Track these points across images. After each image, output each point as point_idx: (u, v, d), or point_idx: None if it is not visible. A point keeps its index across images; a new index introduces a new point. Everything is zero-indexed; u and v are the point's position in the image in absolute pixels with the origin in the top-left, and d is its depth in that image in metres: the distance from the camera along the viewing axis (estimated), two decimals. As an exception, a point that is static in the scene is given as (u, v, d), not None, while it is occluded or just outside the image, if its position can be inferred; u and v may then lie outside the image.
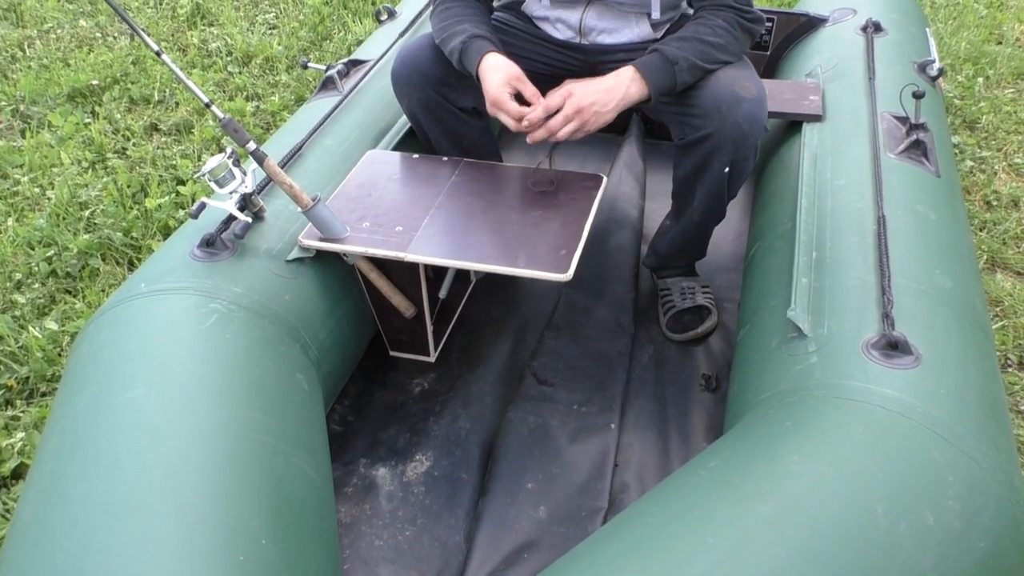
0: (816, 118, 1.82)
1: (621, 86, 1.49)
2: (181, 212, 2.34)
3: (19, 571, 0.94)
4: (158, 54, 1.37)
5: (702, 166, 1.58)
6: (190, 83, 1.39)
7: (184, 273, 1.37)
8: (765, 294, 1.48)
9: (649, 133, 2.49)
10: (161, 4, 3.66)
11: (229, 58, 3.21)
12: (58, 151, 2.62)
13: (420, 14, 2.29)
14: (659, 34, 1.72)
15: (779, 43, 2.35)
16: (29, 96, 2.93)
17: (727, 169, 1.56)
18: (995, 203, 2.34)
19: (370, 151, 1.75)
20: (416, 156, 1.73)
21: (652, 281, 1.96)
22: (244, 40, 3.28)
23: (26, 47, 3.33)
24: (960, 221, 1.56)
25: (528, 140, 1.52)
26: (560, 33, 1.76)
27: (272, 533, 1.01)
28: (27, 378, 1.85)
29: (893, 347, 1.20)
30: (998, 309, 1.99)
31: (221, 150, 2.58)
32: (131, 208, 2.36)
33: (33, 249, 2.21)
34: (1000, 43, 3.18)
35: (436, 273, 1.76)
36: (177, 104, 2.92)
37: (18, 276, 2.12)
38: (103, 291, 2.09)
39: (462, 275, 1.91)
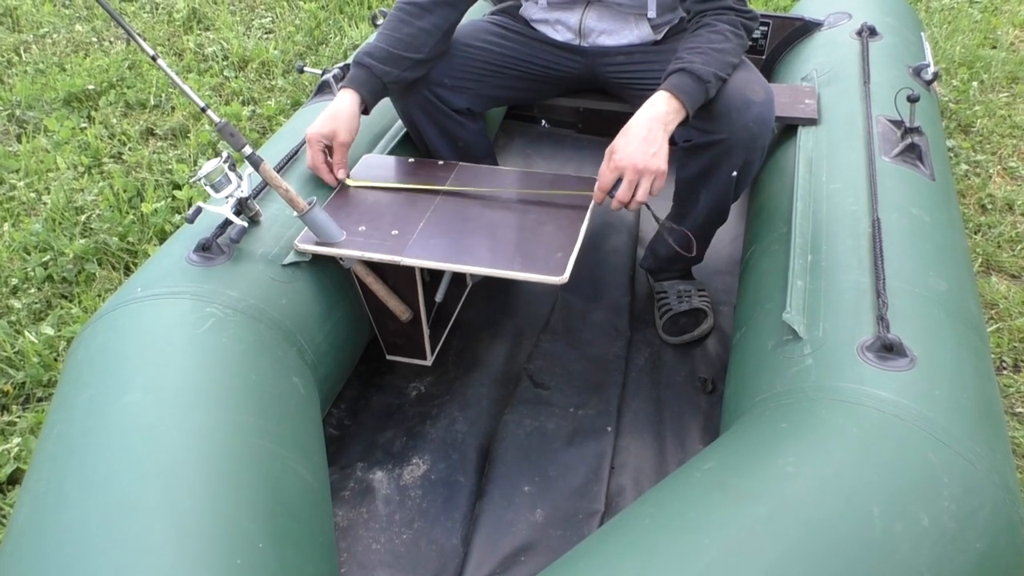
0: (811, 122, 1.82)
1: (658, 119, 1.41)
2: (177, 217, 2.34)
3: (16, 574, 0.94)
4: (154, 59, 1.37)
5: (709, 169, 1.57)
6: (186, 88, 1.39)
7: (180, 278, 1.37)
8: (761, 297, 1.48)
9: (645, 137, 2.49)
10: (157, 9, 3.66)
11: (225, 63, 3.22)
12: (54, 156, 2.62)
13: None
14: (659, 35, 1.73)
15: (775, 47, 2.36)
16: (25, 101, 2.93)
17: (735, 173, 1.56)
18: (990, 206, 2.34)
19: (366, 155, 1.75)
20: (412, 160, 1.73)
21: (648, 284, 1.96)
22: (240, 45, 3.28)
23: (22, 52, 3.33)
24: (955, 224, 1.57)
25: (614, 207, 1.45)
26: (559, 35, 1.76)
27: (269, 537, 1.01)
28: (23, 383, 1.85)
29: (888, 349, 1.20)
30: (993, 312, 2.00)
31: (217, 155, 2.58)
32: (127, 213, 2.35)
33: (29, 254, 2.21)
34: (994, 47, 3.19)
35: (432, 277, 1.76)
36: (173, 109, 2.92)
37: (14, 281, 2.12)
38: (99, 296, 2.09)
39: (458, 279, 1.92)
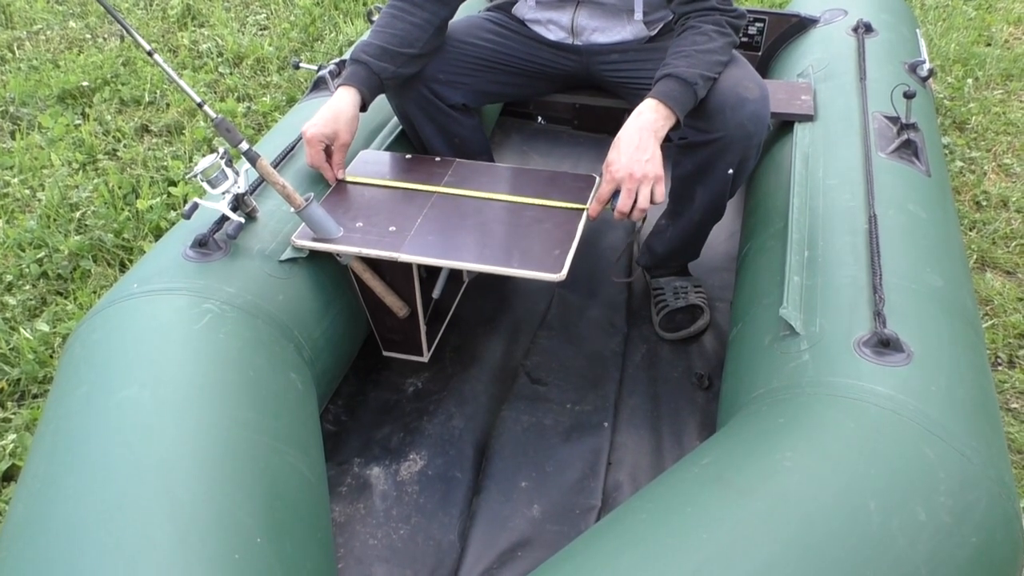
0: (808, 118, 1.83)
1: (648, 128, 1.42)
2: (173, 213, 2.34)
3: (12, 572, 0.94)
4: (150, 54, 1.37)
5: (704, 167, 1.58)
6: (182, 83, 1.39)
7: (177, 273, 1.36)
8: (757, 292, 1.48)
9: (641, 133, 2.49)
10: (151, 5, 3.65)
11: (220, 59, 3.21)
12: (48, 152, 2.61)
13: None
14: (653, 32, 1.73)
15: (771, 43, 2.36)
16: (19, 97, 2.92)
17: (731, 171, 1.56)
18: (984, 203, 2.35)
19: (363, 151, 1.75)
20: (409, 156, 1.73)
21: (645, 281, 1.97)
22: (235, 41, 3.27)
23: (15, 48, 3.31)
24: (950, 220, 1.57)
25: (616, 217, 1.47)
26: (552, 34, 1.76)
27: (267, 532, 1.01)
28: (18, 380, 1.84)
29: (885, 345, 1.20)
30: (988, 308, 2.00)
31: (212, 151, 2.57)
32: (122, 209, 2.35)
33: (24, 251, 2.20)
34: (989, 45, 3.20)
35: (429, 273, 1.76)
36: (168, 105, 2.91)
37: (9, 278, 2.11)
38: (95, 292, 2.08)
39: (455, 275, 1.92)
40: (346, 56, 2.14)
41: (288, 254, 1.48)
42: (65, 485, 1.02)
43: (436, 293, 1.75)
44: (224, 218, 1.45)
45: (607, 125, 2.54)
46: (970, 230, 2.25)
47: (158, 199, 2.36)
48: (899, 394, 1.13)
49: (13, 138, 2.72)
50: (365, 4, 3.61)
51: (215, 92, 3.01)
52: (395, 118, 1.89)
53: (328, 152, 1.60)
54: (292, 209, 1.47)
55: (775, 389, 1.23)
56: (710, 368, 1.77)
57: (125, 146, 2.67)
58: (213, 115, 1.38)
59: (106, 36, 3.43)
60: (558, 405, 1.69)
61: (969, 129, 2.68)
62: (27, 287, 2.10)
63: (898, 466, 1.04)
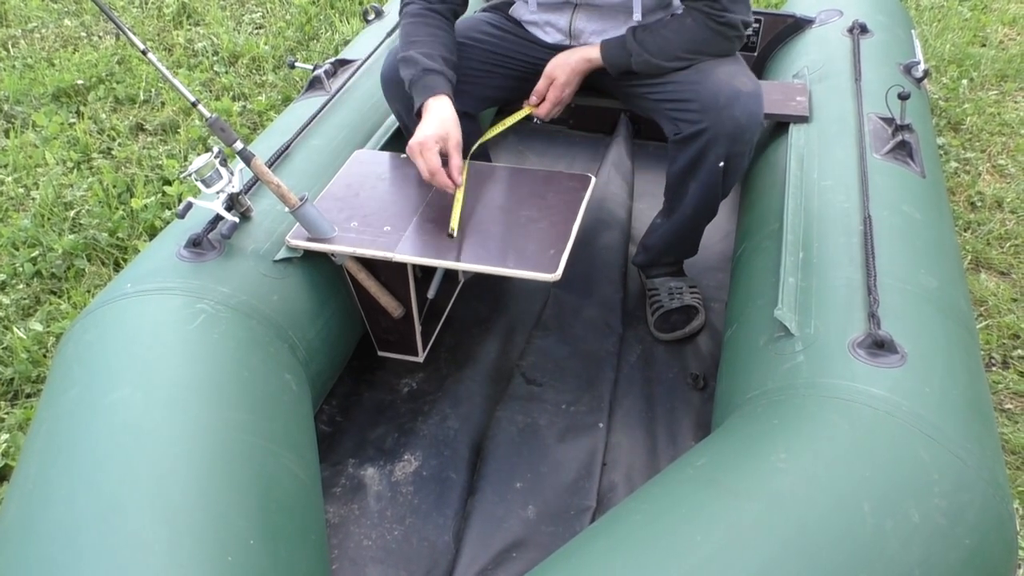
0: (803, 119, 1.83)
1: (581, 49, 1.67)
2: (167, 212, 2.33)
3: (4, 572, 0.94)
4: (144, 52, 1.36)
5: (697, 161, 1.58)
6: (176, 82, 1.38)
7: (171, 273, 1.36)
8: (752, 293, 1.48)
9: (637, 134, 2.50)
10: (146, 3, 3.64)
11: (215, 58, 3.20)
12: (43, 151, 2.60)
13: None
14: None
15: (766, 44, 2.36)
16: (13, 96, 2.91)
17: (722, 164, 1.57)
18: (979, 204, 2.36)
19: (358, 151, 1.75)
20: (404, 156, 1.72)
21: (640, 281, 1.97)
22: (230, 40, 3.27)
23: (10, 46, 3.30)
24: (945, 221, 1.58)
25: (543, 117, 1.75)
26: (550, 37, 1.76)
27: (260, 533, 1.01)
28: (11, 379, 1.84)
29: (879, 346, 1.20)
30: (982, 309, 2.01)
31: (207, 150, 2.57)
32: (117, 208, 2.34)
33: (17, 249, 2.20)
34: (984, 45, 3.20)
35: (424, 273, 1.76)
36: (163, 104, 2.90)
37: (2, 277, 2.10)
38: (89, 292, 2.08)
39: (450, 275, 1.91)
40: (342, 56, 2.14)
41: (283, 254, 1.47)
42: (58, 486, 1.01)
43: (431, 293, 1.75)
44: (218, 218, 1.44)
45: (603, 125, 2.54)
46: (965, 231, 2.26)
47: (153, 198, 2.36)
48: (893, 395, 1.13)
49: (7, 136, 2.72)
50: (361, 3, 3.60)
51: (210, 91, 3.00)
52: (390, 117, 1.89)
53: (442, 158, 1.54)
54: (287, 209, 1.46)
55: (770, 390, 1.23)
56: (705, 369, 1.77)
57: (120, 145, 2.66)
58: (207, 114, 1.38)
59: (101, 34, 3.42)
60: (553, 406, 1.69)
61: (964, 130, 2.69)
62: (21, 286, 2.09)
63: (892, 467, 1.04)
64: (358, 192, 1.61)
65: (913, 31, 2.28)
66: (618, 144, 2.40)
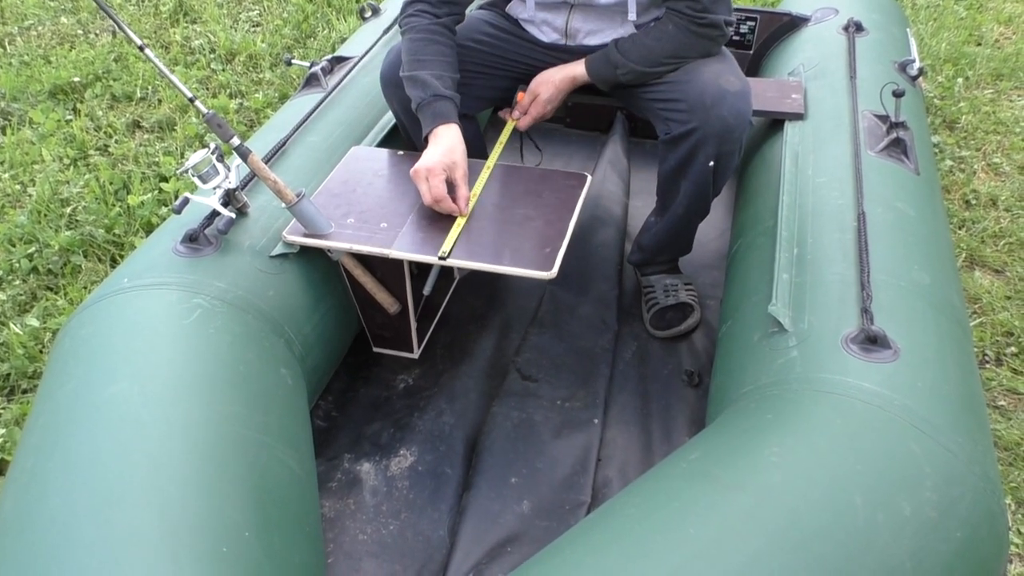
0: (798, 116, 1.84)
1: (566, 67, 1.70)
2: (164, 209, 2.33)
3: (1, 564, 0.94)
4: (141, 48, 1.37)
5: (687, 160, 1.59)
6: (173, 78, 1.39)
7: (167, 268, 1.36)
8: (747, 290, 1.49)
9: (633, 132, 2.51)
10: (143, 1, 3.64)
11: (212, 55, 3.20)
12: (39, 148, 2.60)
13: (404, 12, 2.29)
14: None
15: (762, 42, 2.37)
16: (10, 93, 2.91)
17: (712, 163, 1.57)
18: (974, 202, 2.36)
19: (354, 147, 1.75)
20: (401, 153, 1.73)
21: (636, 278, 1.97)
22: (227, 37, 3.27)
23: (6, 44, 3.30)
24: (938, 218, 1.58)
25: (522, 129, 1.77)
26: (546, 36, 1.77)
27: (255, 525, 1.02)
28: (8, 375, 1.84)
29: (872, 341, 1.21)
30: (976, 306, 2.01)
31: (204, 147, 2.57)
32: (113, 205, 2.34)
33: (14, 246, 2.20)
34: (979, 44, 3.21)
35: (420, 270, 1.77)
36: (160, 101, 2.90)
37: (-1, 273, 2.11)
38: (85, 288, 2.08)
39: (446, 272, 1.92)
40: (339, 53, 2.15)
41: (279, 249, 1.48)
42: (54, 478, 1.02)
43: (427, 290, 1.75)
44: (215, 213, 1.45)
45: (599, 123, 2.54)
46: (959, 228, 2.26)
47: (149, 195, 2.36)
48: (885, 390, 1.14)
49: (4, 133, 2.72)
50: (357, 1, 3.60)
51: (207, 88, 3.00)
52: (387, 114, 1.89)
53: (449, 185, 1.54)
54: (283, 204, 1.47)
55: (763, 385, 1.24)
56: (700, 366, 1.78)
57: (116, 142, 2.66)
58: (204, 110, 1.38)
59: (98, 32, 3.42)
60: (548, 402, 1.69)
61: (959, 128, 2.69)
62: (17, 282, 2.09)
63: (884, 461, 1.04)
64: (355, 188, 1.61)
65: (908, 29, 2.29)
66: (614, 142, 2.41)
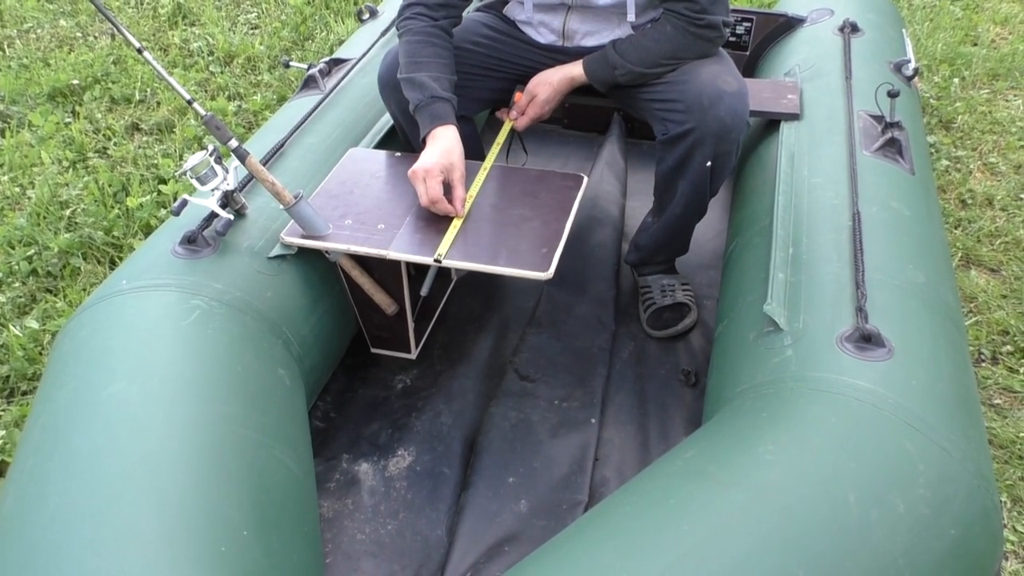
0: (794, 116, 1.84)
1: (564, 68, 1.71)
2: (163, 211, 2.34)
3: (1, 565, 0.95)
4: (140, 51, 1.37)
5: (684, 161, 1.60)
6: (172, 80, 1.39)
7: (166, 270, 1.37)
8: (743, 289, 1.50)
9: (630, 133, 2.51)
10: (142, 4, 3.64)
11: (211, 58, 3.21)
12: (38, 150, 2.61)
13: (402, 14, 2.29)
14: None
15: (758, 43, 2.38)
16: (9, 95, 2.92)
17: (709, 163, 1.58)
18: (970, 201, 2.37)
19: (352, 149, 1.76)
20: (398, 154, 1.74)
21: (633, 279, 1.98)
22: (226, 40, 3.28)
23: (5, 47, 3.31)
24: (933, 217, 1.59)
25: (519, 129, 1.77)
26: (543, 37, 1.78)
27: (253, 525, 1.02)
28: (7, 376, 1.84)
29: (867, 340, 1.22)
30: (972, 305, 2.02)
31: (203, 149, 2.57)
32: (112, 207, 2.35)
33: (13, 248, 2.20)
34: (975, 44, 3.22)
35: (418, 271, 1.77)
36: (158, 104, 2.91)
37: (-2, 275, 2.11)
38: (84, 290, 2.09)
39: (444, 273, 1.92)
40: (337, 55, 2.15)
41: (277, 251, 1.48)
42: (53, 480, 1.02)
43: (424, 291, 1.76)
44: (213, 215, 1.45)
45: (597, 124, 2.55)
46: (955, 228, 2.27)
47: (148, 197, 2.37)
48: (880, 388, 1.14)
49: (3, 136, 2.72)
50: (355, 3, 3.61)
51: (206, 91, 3.01)
52: (384, 116, 1.90)
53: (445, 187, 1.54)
54: (281, 206, 1.47)
55: (759, 384, 1.25)
56: (697, 365, 1.78)
57: (115, 144, 2.67)
58: (203, 112, 1.39)
59: (97, 35, 3.42)
60: (546, 401, 1.70)
61: (955, 128, 2.70)
62: (16, 284, 2.10)
63: (878, 459, 1.05)
64: (352, 190, 1.62)
65: (904, 30, 2.30)
66: (611, 143, 2.41)
